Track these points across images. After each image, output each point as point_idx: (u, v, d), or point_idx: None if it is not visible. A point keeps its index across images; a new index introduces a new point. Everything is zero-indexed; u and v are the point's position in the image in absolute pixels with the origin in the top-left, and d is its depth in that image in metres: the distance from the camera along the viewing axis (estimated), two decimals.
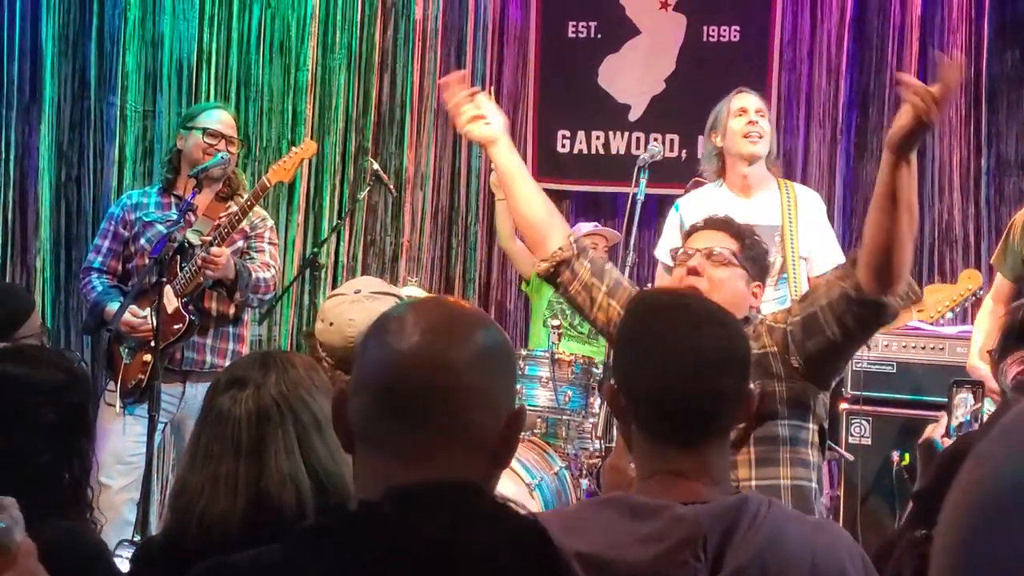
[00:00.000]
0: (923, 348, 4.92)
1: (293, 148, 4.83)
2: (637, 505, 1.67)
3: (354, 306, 2.95)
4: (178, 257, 4.55)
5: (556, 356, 5.16)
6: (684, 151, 6.56)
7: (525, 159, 6.20)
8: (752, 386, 1.80)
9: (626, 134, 6.67)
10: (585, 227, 5.98)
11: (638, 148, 6.54)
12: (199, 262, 4.49)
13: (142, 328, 4.56)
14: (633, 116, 6.72)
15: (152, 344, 4.40)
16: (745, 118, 4.46)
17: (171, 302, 4.54)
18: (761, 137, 4.41)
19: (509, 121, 3.39)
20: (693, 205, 4.49)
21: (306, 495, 1.91)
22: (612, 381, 1.85)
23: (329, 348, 2.92)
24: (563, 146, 6.76)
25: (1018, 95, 6.20)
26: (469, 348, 1.41)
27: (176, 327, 4.56)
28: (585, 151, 6.75)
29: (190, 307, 4.64)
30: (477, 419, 1.40)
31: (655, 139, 6.52)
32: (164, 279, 4.43)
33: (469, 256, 6.92)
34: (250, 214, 4.68)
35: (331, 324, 2.93)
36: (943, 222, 6.22)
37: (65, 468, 2.24)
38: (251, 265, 4.74)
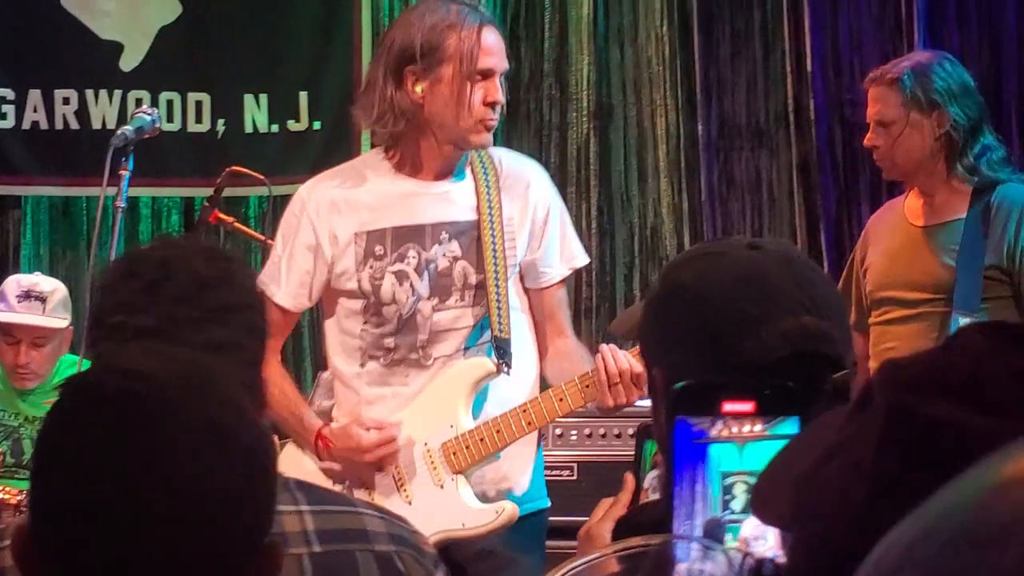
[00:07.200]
0: None
1: None
2: None
3: None
4: None
5: None
6: (223, 120, 5.46)
7: None
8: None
9: (118, 95, 5.51)
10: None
11: None
12: None
13: None
14: (128, 64, 5.57)
15: None
16: None
17: None
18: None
19: None
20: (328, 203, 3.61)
21: None
22: None
23: None
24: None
25: None
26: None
27: None
28: (44, 126, 5.50)
29: None
30: None
31: (169, 102, 5.39)
32: None
33: None
34: None
35: None
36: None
37: None
38: None
